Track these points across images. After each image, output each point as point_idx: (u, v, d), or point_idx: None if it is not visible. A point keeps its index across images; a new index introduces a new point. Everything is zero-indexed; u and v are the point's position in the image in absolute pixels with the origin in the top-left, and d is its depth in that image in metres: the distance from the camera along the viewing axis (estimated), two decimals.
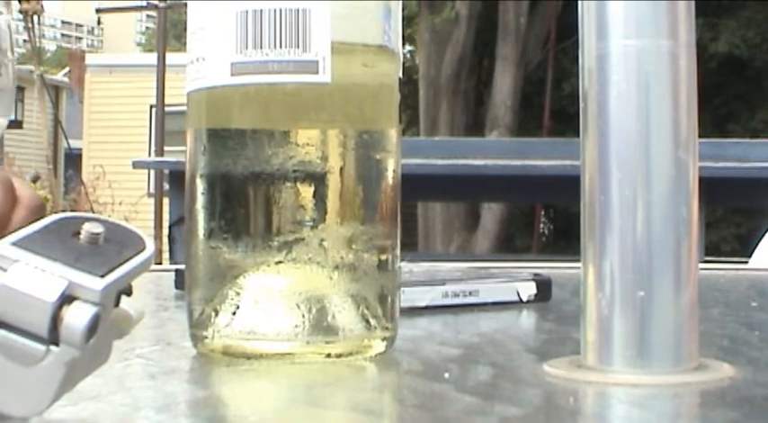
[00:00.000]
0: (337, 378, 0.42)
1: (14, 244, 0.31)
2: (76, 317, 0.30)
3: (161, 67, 6.72)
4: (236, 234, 0.45)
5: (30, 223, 0.31)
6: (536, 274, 0.70)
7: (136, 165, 4.80)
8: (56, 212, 0.35)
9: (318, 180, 0.44)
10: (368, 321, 0.45)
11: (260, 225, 0.45)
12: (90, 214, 0.33)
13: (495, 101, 9.05)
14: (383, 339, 0.46)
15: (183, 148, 0.49)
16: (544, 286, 0.69)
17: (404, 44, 0.55)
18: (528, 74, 9.56)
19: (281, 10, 0.44)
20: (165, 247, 4.11)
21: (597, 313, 0.39)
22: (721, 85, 9.08)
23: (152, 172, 8.82)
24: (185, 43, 0.48)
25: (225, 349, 0.44)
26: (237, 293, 0.44)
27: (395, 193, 0.47)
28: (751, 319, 0.64)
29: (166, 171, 4.41)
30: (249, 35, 0.44)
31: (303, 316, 0.43)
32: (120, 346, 0.34)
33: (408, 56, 10.86)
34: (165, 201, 5.07)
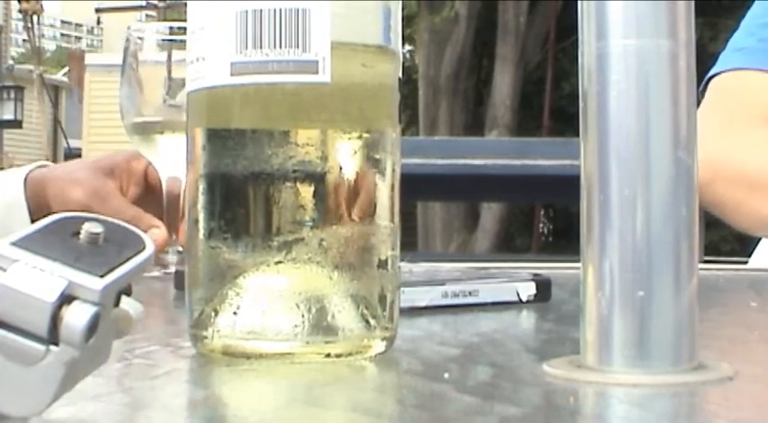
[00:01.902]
0: (337, 378, 0.42)
1: (14, 244, 0.31)
2: (76, 317, 0.30)
3: None
4: (235, 234, 0.45)
5: None
6: (536, 274, 0.70)
7: None
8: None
9: (318, 180, 0.44)
10: (368, 321, 0.45)
11: (260, 225, 0.45)
12: (90, 214, 0.33)
13: (494, 100, 9.06)
14: (383, 339, 0.46)
15: None
16: (544, 286, 0.69)
17: (403, 44, 0.55)
18: (527, 73, 9.56)
19: (280, 10, 0.44)
20: None
21: (597, 313, 0.39)
22: None
23: None
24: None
25: (225, 349, 0.44)
26: (237, 293, 0.44)
27: (394, 192, 0.47)
28: (750, 319, 0.64)
29: None
30: (249, 35, 0.44)
31: (303, 316, 0.43)
32: (120, 346, 0.34)
33: (408, 55, 10.86)
34: None
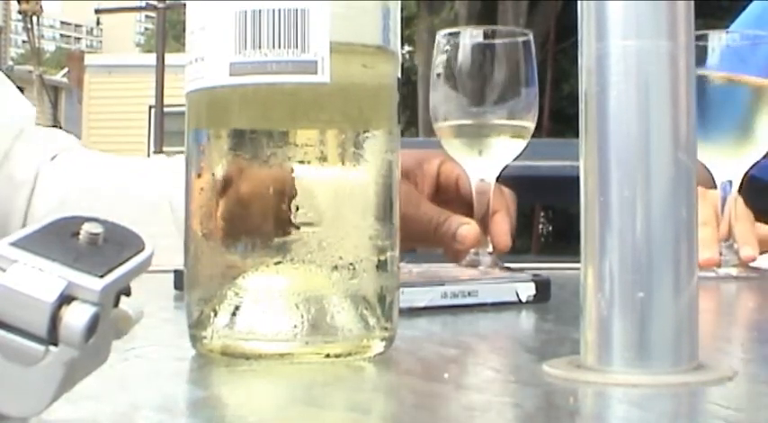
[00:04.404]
0: (336, 378, 0.42)
1: (13, 244, 0.31)
2: (76, 317, 0.30)
3: (160, 67, 6.72)
4: (235, 234, 0.45)
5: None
6: (535, 275, 0.70)
7: None
8: None
9: (317, 180, 0.44)
10: (367, 322, 0.45)
11: (259, 225, 0.45)
12: (89, 214, 0.33)
13: None
14: (382, 340, 0.46)
15: (182, 148, 0.49)
16: (543, 287, 0.69)
17: (403, 45, 0.55)
18: None
19: (279, 10, 0.44)
20: None
21: (597, 314, 0.39)
22: None
23: None
24: (184, 44, 0.48)
25: (224, 349, 0.44)
26: (236, 294, 0.44)
27: (394, 193, 0.47)
28: (750, 319, 0.64)
29: None
30: (248, 35, 0.44)
31: (302, 316, 0.43)
32: (119, 346, 0.34)
33: (407, 56, 10.86)
34: None
